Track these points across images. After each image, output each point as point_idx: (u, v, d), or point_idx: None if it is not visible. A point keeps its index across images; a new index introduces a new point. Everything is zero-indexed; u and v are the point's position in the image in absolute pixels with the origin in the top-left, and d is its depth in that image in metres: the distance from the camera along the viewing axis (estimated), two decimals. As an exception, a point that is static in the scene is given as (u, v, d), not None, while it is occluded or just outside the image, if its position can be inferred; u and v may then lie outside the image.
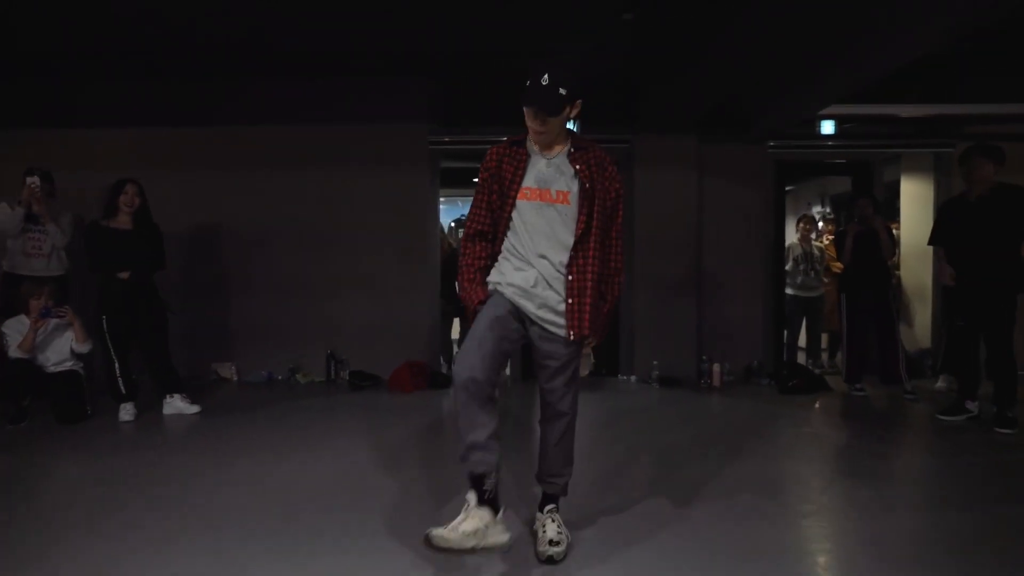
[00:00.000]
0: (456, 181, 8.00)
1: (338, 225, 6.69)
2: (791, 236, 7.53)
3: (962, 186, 5.11)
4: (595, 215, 2.61)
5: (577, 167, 2.61)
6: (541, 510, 2.82)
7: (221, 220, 6.69)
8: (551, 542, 2.64)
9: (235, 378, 6.67)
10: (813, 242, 7.40)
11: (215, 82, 6.59)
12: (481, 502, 2.38)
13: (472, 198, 2.77)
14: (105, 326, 5.06)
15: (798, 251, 7.27)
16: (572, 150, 2.65)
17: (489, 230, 2.73)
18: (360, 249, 6.67)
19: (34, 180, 5.39)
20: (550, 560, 2.61)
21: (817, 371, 6.79)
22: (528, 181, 2.63)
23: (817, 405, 5.70)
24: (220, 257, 6.71)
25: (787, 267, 7.23)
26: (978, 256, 4.82)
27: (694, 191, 6.65)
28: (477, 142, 6.24)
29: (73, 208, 5.82)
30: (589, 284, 2.61)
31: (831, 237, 7.84)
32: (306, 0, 4.86)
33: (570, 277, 2.59)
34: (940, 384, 6.03)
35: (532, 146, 2.68)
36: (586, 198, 2.60)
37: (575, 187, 2.61)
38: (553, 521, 2.74)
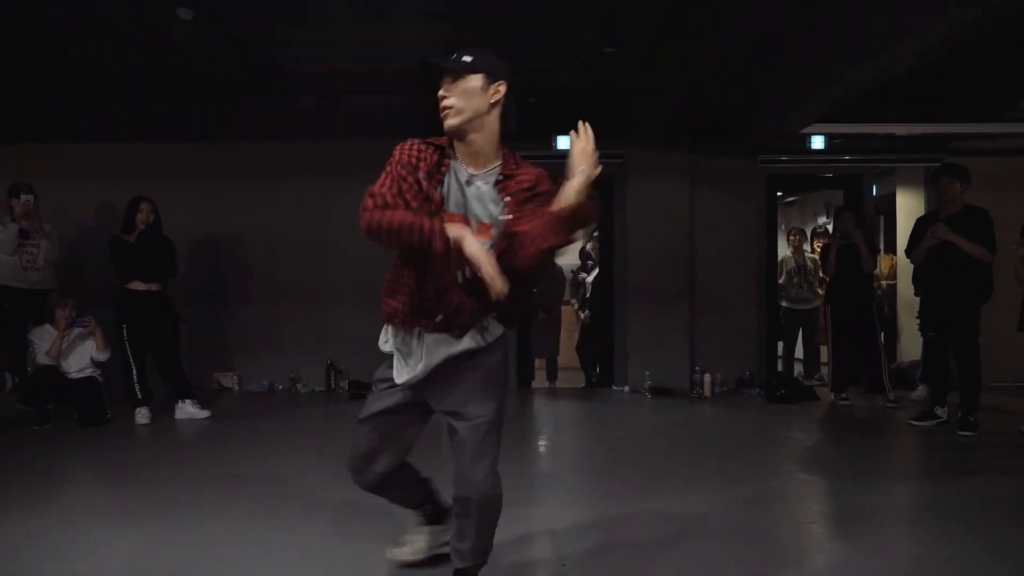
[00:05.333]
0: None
1: (335, 236, 7.65)
2: (784, 248, 8.50)
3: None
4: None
5: (506, 199, 2.39)
6: None
7: (221, 231, 7.70)
8: None
9: (236, 387, 7.66)
10: (806, 254, 8.38)
11: (214, 97, 7.60)
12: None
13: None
14: (125, 334, 6.06)
15: (791, 263, 8.25)
16: (502, 178, 2.42)
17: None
18: (358, 260, 7.59)
19: (29, 199, 6.31)
20: None
21: (813, 383, 7.76)
22: (448, 202, 2.41)
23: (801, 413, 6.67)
24: (220, 268, 7.70)
25: (781, 280, 8.20)
26: (946, 270, 5.76)
27: (686, 203, 7.65)
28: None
29: (65, 220, 6.93)
30: None
31: (819, 246, 8.84)
32: (307, 24, 5.86)
33: None
34: (918, 393, 6.98)
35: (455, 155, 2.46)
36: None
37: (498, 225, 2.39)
38: None
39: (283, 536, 3.40)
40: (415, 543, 2.98)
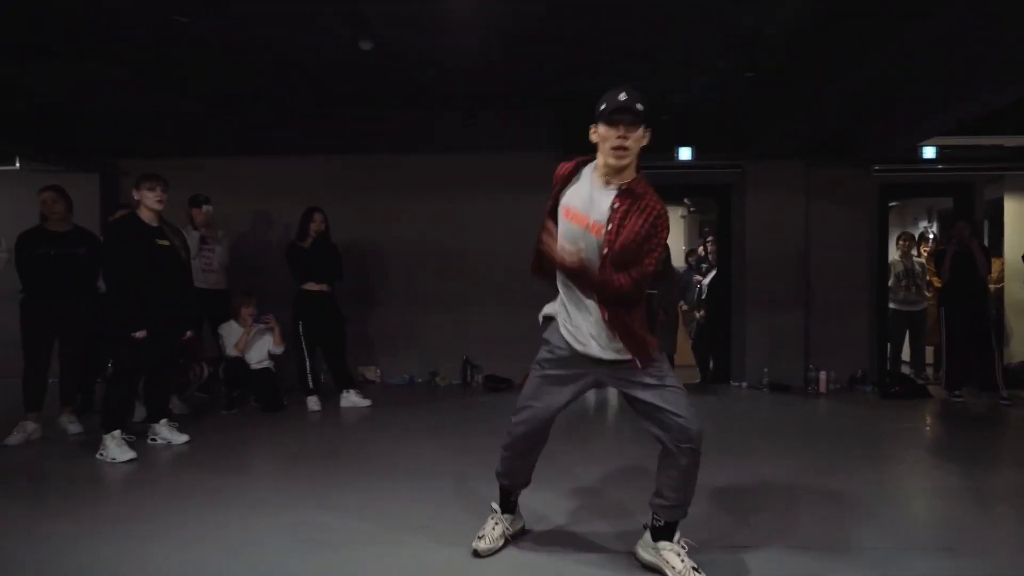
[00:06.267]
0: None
1: (470, 245, 8.48)
2: (893, 253, 9.01)
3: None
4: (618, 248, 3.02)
5: (616, 204, 3.00)
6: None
7: (366, 238, 8.53)
8: None
9: (378, 380, 8.50)
10: (914, 258, 8.88)
11: (359, 114, 8.43)
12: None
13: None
14: (301, 330, 6.91)
15: (900, 267, 8.77)
16: (625, 188, 3.02)
17: None
18: (491, 264, 8.42)
19: (209, 208, 7.24)
20: None
21: (920, 382, 8.27)
22: (577, 202, 3.09)
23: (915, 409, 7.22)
24: (365, 271, 8.53)
25: (890, 283, 8.72)
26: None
27: (802, 212, 8.24)
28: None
29: (227, 228, 7.72)
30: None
31: (926, 251, 9.29)
32: (453, 48, 6.56)
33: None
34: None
35: (592, 172, 3.13)
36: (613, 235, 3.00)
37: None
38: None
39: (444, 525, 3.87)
40: (493, 532, 3.51)
